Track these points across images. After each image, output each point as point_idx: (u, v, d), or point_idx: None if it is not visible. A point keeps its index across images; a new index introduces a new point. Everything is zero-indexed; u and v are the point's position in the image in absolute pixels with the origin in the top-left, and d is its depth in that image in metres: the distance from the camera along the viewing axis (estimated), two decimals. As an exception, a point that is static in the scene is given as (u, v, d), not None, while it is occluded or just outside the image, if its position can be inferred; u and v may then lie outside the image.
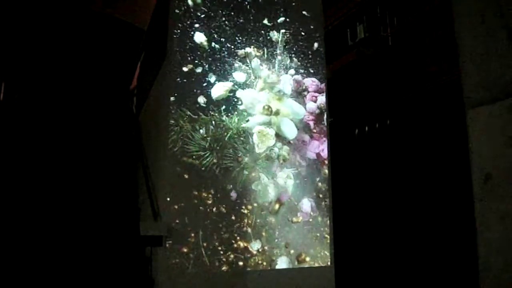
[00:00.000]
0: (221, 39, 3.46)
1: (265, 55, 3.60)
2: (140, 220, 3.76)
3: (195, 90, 3.30)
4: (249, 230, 3.25)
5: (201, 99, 3.30)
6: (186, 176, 3.15)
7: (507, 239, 1.34)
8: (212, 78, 3.36)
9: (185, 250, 3.03)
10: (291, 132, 3.56)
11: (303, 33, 3.78)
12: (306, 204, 3.48)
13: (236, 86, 3.42)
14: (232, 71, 3.44)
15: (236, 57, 3.47)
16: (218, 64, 3.41)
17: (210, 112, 3.31)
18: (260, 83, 3.50)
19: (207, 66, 3.37)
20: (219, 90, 3.34)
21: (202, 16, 3.43)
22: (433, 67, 4.65)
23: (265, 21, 3.65)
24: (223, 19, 3.50)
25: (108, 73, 5.63)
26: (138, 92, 5.68)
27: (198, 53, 3.36)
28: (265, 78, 3.50)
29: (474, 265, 1.46)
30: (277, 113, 3.50)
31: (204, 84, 3.34)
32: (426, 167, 4.54)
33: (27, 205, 3.58)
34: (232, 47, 3.48)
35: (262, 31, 3.62)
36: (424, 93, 4.75)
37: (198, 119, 3.26)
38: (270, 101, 3.51)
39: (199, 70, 3.34)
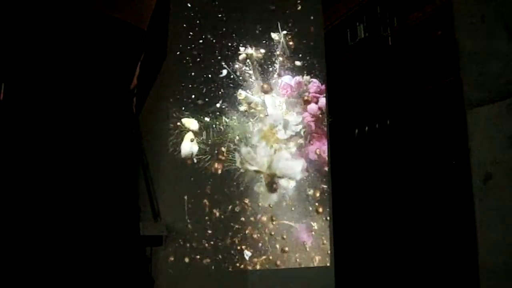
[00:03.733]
0: (222, 39, 3.45)
1: (266, 57, 3.59)
2: (140, 220, 3.76)
3: (195, 91, 3.30)
4: (250, 231, 3.25)
5: (201, 101, 3.30)
6: (186, 177, 3.15)
7: (507, 239, 1.34)
8: (212, 78, 3.36)
9: (185, 250, 3.03)
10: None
11: (303, 33, 3.77)
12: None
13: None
14: (231, 71, 3.44)
15: (236, 57, 3.47)
16: (218, 64, 3.40)
17: (211, 114, 3.30)
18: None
19: (207, 66, 3.36)
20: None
21: (203, 16, 3.43)
22: (433, 67, 4.65)
23: (266, 22, 3.64)
24: (224, 19, 3.49)
25: (108, 73, 5.63)
26: (138, 92, 5.68)
27: (198, 53, 3.36)
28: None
29: (474, 265, 1.46)
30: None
31: (204, 85, 3.33)
32: (426, 167, 4.53)
33: (27, 204, 3.58)
34: (233, 47, 3.48)
35: (263, 32, 3.62)
36: (424, 93, 4.74)
37: (199, 121, 3.25)
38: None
39: (198, 70, 3.34)
